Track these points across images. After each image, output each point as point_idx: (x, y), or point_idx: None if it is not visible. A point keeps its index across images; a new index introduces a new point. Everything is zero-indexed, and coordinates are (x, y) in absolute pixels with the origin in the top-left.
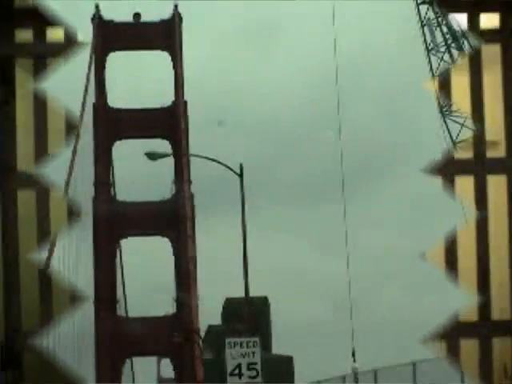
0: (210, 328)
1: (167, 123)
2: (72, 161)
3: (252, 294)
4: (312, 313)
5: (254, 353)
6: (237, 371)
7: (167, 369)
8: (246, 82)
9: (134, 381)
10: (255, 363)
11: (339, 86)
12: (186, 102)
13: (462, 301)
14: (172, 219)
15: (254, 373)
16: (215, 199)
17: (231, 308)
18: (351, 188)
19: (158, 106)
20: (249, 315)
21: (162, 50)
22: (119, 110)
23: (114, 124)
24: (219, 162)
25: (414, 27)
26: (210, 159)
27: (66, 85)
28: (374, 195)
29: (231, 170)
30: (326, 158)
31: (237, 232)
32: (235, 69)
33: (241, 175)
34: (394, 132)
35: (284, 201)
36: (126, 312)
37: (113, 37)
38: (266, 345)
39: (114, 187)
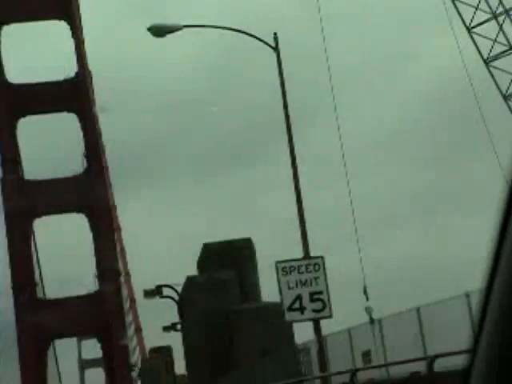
0: (190, 280)
1: (73, 96)
2: None
3: None
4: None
5: (317, 278)
6: (297, 304)
7: (89, 350)
8: None
9: (57, 364)
10: (320, 292)
11: None
12: (90, 72)
13: None
14: (86, 195)
15: (319, 305)
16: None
17: (209, 254)
18: None
19: (60, 78)
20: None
21: (60, 19)
22: (21, 86)
23: (16, 100)
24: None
25: None
26: None
27: None
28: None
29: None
30: None
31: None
32: None
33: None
34: None
35: None
36: (44, 295)
37: (5, 9)
38: (254, 296)
39: (22, 165)
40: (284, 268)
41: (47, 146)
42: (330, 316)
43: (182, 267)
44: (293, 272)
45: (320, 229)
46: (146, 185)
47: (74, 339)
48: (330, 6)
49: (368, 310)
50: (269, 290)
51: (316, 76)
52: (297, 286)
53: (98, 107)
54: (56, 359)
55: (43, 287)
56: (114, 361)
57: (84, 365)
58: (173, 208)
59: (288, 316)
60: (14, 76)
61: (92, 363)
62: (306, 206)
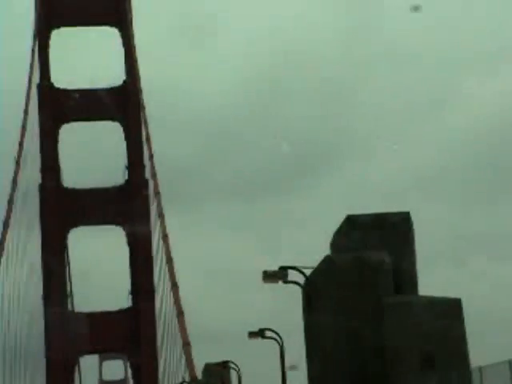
0: (328, 260)
1: (119, 104)
2: (21, 138)
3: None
4: None
5: None
6: None
7: (109, 370)
8: None
9: (80, 382)
10: None
11: None
12: (139, 81)
13: None
14: (125, 207)
15: None
16: None
17: (352, 228)
18: None
19: (107, 85)
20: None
21: (111, 26)
22: (66, 91)
23: (60, 106)
24: None
25: None
26: None
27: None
28: None
29: None
30: None
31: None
32: None
33: None
34: None
35: None
36: (73, 308)
37: (57, 12)
38: (410, 287)
39: (61, 173)
40: None
41: (88, 154)
42: None
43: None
44: None
45: None
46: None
47: (96, 359)
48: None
49: None
50: (427, 281)
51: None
52: None
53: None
54: (80, 378)
55: (72, 299)
56: (143, 382)
57: None
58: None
59: None
60: (60, 80)
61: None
62: None
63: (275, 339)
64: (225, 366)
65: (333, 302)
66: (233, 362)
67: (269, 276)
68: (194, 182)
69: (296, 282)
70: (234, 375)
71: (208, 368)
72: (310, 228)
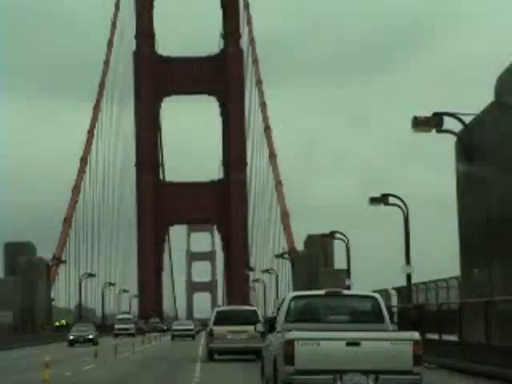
0: None
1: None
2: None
3: None
4: None
5: None
6: None
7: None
8: None
9: (170, 253)
10: None
11: None
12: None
13: None
14: (220, 76)
15: None
16: None
17: None
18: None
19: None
20: None
21: None
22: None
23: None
24: None
25: None
26: None
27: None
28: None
29: None
30: None
31: None
32: None
33: None
34: None
35: None
36: (164, 177)
37: None
38: None
39: (156, 40)
40: None
41: (184, 22)
42: None
43: None
44: None
45: None
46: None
47: (185, 230)
48: None
49: None
50: None
51: None
52: None
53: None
54: (170, 248)
55: (164, 170)
56: (232, 257)
57: (192, 257)
58: None
59: None
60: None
61: (200, 256)
62: None
63: (399, 206)
64: (332, 236)
65: (497, 156)
66: (341, 233)
67: (420, 123)
68: (289, 56)
69: (451, 132)
70: (338, 246)
71: (311, 239)
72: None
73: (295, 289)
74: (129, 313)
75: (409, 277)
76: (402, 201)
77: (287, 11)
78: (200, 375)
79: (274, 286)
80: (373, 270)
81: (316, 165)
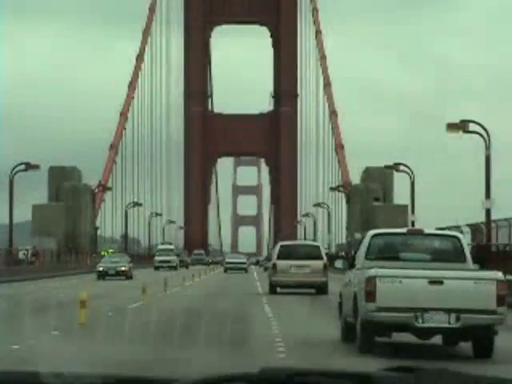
0: None
1: None
2: None
3: None
4: None
5: None
6: None
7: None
8: None
9: (217, 186)
10: None
11: None
12: None
13: None
14: (271, 4)
15: None
16: None
17: None
18: None
19: None
20: None
21: None
22: None
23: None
24: None
25: None
26: None
27: None
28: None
29: None
30: None
31: None
32: None
33: None
34: None
35: None
36: (212, 108)
37: None
38: None
39: None
40: None
41: None
42: None
43: None
44: None
45: None
46: None
47: (231, 164)
48: None
49: None
50: None
51: None
52: None
53: None
54: (216, 181)
55: (212, 101)
56: (280, 191)
57: (238, 190)
58: None
59: None
60: None
61: (246, 190)
62: None
63: (479, 134)
64: (396, 168)
65: None
66: (405, 165)
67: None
68: None
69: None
70: (398, 180)
71: (368, 172)
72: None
73: (349, 225)
74: (171, 243)
75: (488, 212)
76: (483, 127)
77: None
78: (270, 310)
79: (326, 222)
80: (438, 205)
81: (367, 101)
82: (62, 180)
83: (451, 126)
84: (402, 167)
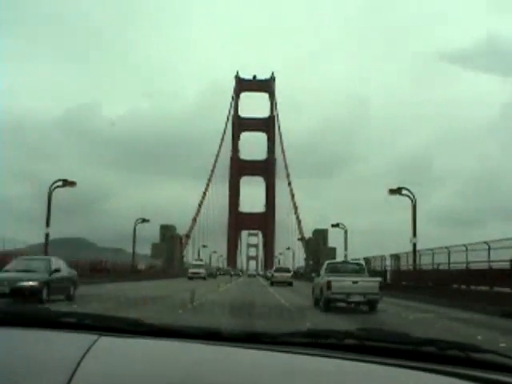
0: None
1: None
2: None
3: None
4: None
5: None
6: None
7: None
8: None
9: (240, 244)
10: None
11: None
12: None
13: None
14: (266, 168)
15: None
16: None
17: None
18: None
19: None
20: None
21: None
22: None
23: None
24: None
25: None
26: None
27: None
28: None
29: None
30: None
31: None
32: None
33: None
34: None
35: None
36: (239, 210)
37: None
38: None
39: None
40: None
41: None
42: None
43: None
44: None
45: None
46: None
47: (246, 234)
48: None
49: None
50: None
51: None
52: None
53: None
54: (240, 243)
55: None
56: (268, 248)
57: (248, 245)
58: None
59: None
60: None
61: (252, 245)
62: None
63: (408, 196)
64: (337, 224)
65: None
66: (407, 189)
67: (392, 191)
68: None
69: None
70: (336, 232)
71: (316, 230)
72: None
73: (306, 257)
74: (201, 259)
75: (414, 245)
76: (411, 192)
77: None
78: (273, 290)
79: (291, 256)
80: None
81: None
82: (166, 231)
83: (391, 191)
84: (340, 225)
